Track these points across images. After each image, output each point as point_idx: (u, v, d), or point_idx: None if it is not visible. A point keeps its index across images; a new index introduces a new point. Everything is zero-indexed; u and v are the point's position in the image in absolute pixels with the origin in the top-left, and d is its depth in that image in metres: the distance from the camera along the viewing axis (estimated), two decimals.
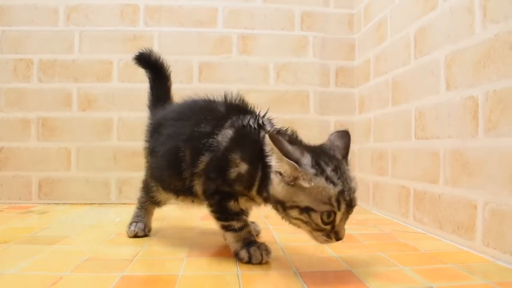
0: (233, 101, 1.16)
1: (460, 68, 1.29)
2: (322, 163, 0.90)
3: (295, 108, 2.21)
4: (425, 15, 1.50)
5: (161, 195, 1.34)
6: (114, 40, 2.14)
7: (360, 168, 2.15)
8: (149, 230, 1.40)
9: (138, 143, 2.11)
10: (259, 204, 1.08)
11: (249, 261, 1.04)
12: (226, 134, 1.05)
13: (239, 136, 1.04)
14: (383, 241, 1.33)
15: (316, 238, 0.93)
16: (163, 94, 1.48)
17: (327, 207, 0.87)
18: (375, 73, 1.99)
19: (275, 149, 0.88)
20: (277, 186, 0.92)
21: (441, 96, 1.38)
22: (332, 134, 1.01)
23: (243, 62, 2.18)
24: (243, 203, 1.08)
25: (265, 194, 0.99)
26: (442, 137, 1.37)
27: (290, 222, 0.95)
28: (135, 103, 2.13)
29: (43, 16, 2.13)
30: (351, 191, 0.89)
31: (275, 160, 0.90)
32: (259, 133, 1.03)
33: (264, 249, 1.05)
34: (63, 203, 2.08)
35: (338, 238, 0.91)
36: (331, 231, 0.90)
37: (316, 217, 0.88)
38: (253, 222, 1.31)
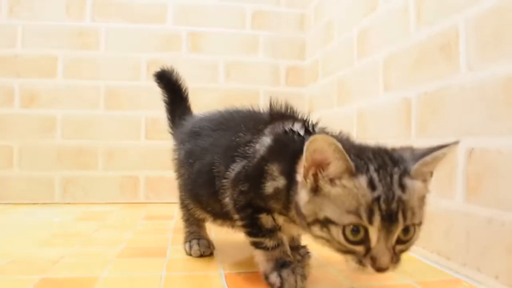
0: (279, 108, 0.96)
1: (396, 70, 1.30)
2: (366, 160, 0.69)
3: None
4: (367, 16, 1.51)
5: (202, 214, 1.13)
6: (59, 35, 2.07)
7: None
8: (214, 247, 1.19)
9: (84, 141, 2.08)
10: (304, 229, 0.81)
11: (281, 287, 0.84)
12: (264, 142, 0.88)
13: (279, 144, 0.86)
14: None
15: (346, 263, 0.70)
16: (185, 112, 1.38)
17: (351, 218, 0.65)
18: (323, 73, 2.00)
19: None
20: (303, 196, 0.73)
21: (380, 97, 1.40)
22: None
23: (193, 59, 2.15)
24: (282, 224, 0.89)
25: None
26: (381, 138, 1.38)
27: (321, 244, 0.73)
28: (80, 100, 2.07)
29: None
30: (394, 199, 0.64)
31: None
32: (303, 141, 0.78)
33: (300, 274, 0.85)
34: (4, 203, 2.00)
35: (377, 267, 0.65)
36: (365, 256, 0.66)
37: (337, 232, 0.66)
38: (303, 246, 1.08)
